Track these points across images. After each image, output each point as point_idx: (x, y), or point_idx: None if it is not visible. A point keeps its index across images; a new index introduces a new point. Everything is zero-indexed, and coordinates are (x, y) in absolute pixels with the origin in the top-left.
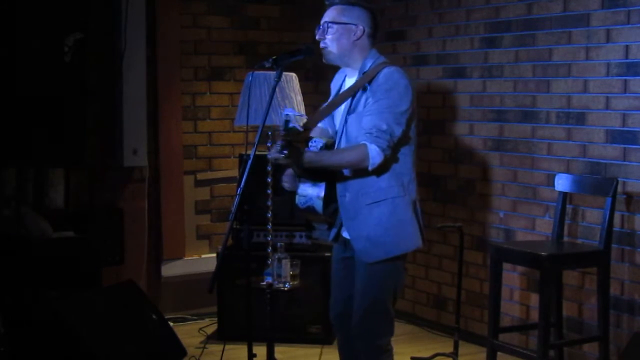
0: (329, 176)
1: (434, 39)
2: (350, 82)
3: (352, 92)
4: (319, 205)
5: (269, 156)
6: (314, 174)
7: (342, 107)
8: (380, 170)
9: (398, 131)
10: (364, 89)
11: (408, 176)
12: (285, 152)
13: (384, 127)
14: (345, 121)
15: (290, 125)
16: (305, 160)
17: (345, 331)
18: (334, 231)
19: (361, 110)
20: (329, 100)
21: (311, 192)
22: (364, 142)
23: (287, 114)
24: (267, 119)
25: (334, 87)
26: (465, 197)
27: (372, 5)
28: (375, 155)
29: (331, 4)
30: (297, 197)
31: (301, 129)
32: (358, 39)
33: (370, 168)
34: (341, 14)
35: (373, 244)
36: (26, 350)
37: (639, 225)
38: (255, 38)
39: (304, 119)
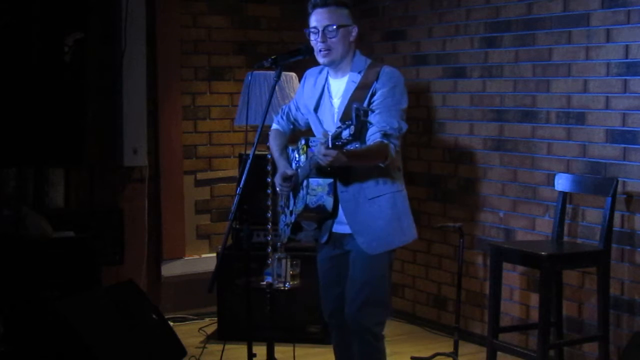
0: (335, 173)
1: (434, 39)
2: (337, 82)
3: (367, 90)
4: (329, 202)
5: (320, 155)
6: (325, 172)
7: (337, 103)
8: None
9: (405, 127)
10: (369, 87)
11: (401, 170)
12: (349, 149)
13: (396, 124)
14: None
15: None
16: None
17: (341, 327)
18: (325, 233)
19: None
20: (304, 96)
21: (321, 191)
22: (381, 139)
23: (358, 107)
24: (267, 119)
25: (311, 86)
26: (465, 197)
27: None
28: (392, 151)
29: (325, 4)
30: (307, 197)
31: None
32: (354, 39)
33: (384, 164)
34: (340, 17)
35: (376, 237)
36: (26, 350)
37: (639, 225)
38: (255, 38)
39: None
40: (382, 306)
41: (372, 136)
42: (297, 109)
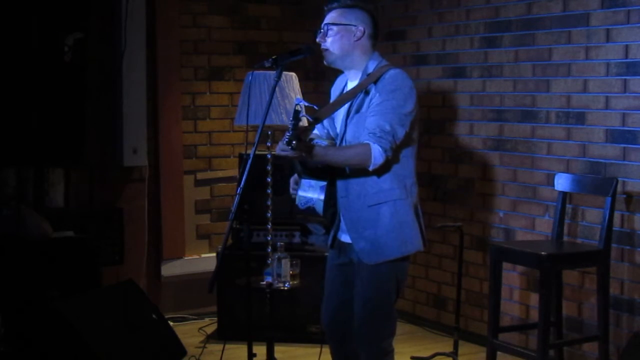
0: (330, 176)
1: (433, 39)
2: (352, 85)
3: (357, 91)
4: (319, 206)
5: (277, 150)
6: (316, 173)
7: (343, 108)
8: (382, 171)
9: (401, 132)
10: (367, 91)
11: (410, 179)
12: (294, 144)
13: (387, 127)
14: (347, 122)
15: (301, 115)
16: (312, 155)
17: (338, 336)
18: (331, 236)
19: (365, 110)
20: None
21: (312, 193)
22: (367, 141)
23: (298, 104)
24: (267, 119)
25: (334, 91)
26: (465, 197)
27: (370, 7)
28: (377, 155)
29: (330, 9)
30: (297, 197)
31: (312, 119)
32: (358, 39)
33: (371, 168)
34: (341, 16)
35: (374, 245)
36: (26, 350)
37: (638, 225)
38: (255, 38)
39: (315, 110)
40: (386, 319)
41: (359, 138)
42: None
